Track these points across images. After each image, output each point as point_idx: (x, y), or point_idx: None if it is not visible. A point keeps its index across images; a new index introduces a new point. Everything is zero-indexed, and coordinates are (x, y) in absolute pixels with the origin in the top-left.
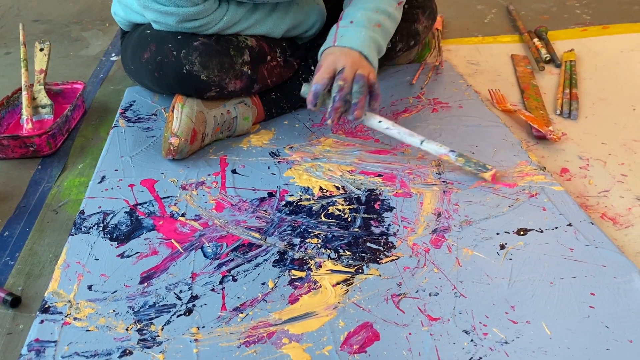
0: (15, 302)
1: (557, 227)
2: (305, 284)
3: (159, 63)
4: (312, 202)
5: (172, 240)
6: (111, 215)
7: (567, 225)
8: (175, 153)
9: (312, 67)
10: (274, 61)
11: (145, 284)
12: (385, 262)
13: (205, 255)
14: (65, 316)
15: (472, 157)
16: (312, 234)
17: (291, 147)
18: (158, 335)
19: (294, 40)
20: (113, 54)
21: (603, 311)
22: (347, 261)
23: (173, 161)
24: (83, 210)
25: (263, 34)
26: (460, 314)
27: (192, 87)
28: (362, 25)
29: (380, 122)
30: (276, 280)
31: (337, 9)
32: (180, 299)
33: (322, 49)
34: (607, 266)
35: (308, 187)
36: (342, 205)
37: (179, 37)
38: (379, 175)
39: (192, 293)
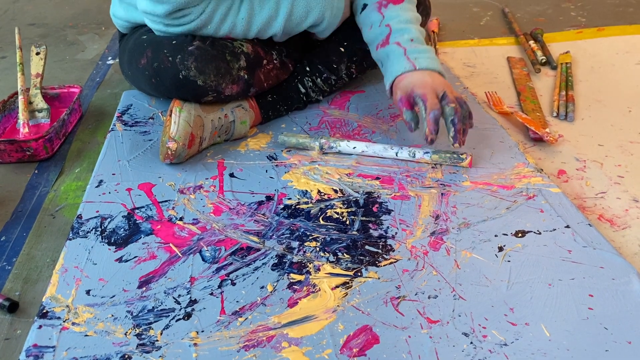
0: (12, 307)
1: (555, 229)
2: (304, 288)
3: (155, 69)
4: (310, 205)
5: (170, 245)
6: (109, 219)
7: (565, 227)
8: (173, 157)
9: (307, 68)
10: (270, 64)
11: (144, 288)
12: (384, 265)
13: (203, 259)
14: (64, 321)
15: (446, 151)
16: (310, 237)
17: (289, 151)
18: (157, 340)
19: (289, 41)
20: (109, 58)
21: (602, 312)
22: (346, 264)
23: (171, 165)
24: (80, 214)
25: (260, 29)
26: (460, 316)
27: (189, 92)
28: (421, 41)
29: (355, 147)
30: (275, 284)
31: None
32: (179, 303)
33: (399, 71)
34: (605, 268)
35: (306, 191)
36: (341, 208)
37: (174, 42)
38: (377, 178)
39: (190, 297)
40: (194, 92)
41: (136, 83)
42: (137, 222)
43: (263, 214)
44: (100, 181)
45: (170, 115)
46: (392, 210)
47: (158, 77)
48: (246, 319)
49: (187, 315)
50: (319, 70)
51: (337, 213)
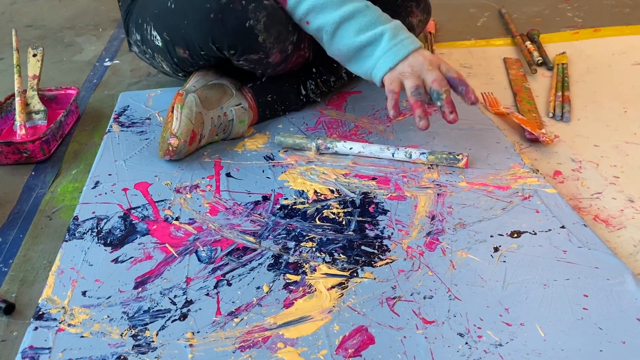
0: (9, 309)
1: (550, 230)
2: (300, 288)
3: (223, 5)
4: (306, 205)
5: (167, 245)
6: (105, 220)
7: (560, 227)
8: (174, 154)
9: (311, 69)
10: (303, 51)
11: (140, 289)
12: (380, 266)
13: (199, 260)
14: (60, 322)
15: (442, 152)
16: (306, 238)
17: (286, 151)
18: (153, 341)
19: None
20: (107, 59)
21: (596, 313)
22: (342, 265)
23: (167, 164)
24: (77, 216)
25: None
26: (455, 316)
27: (242, 44)
28: None
29: (351, 148)
30: (271, 285)
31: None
32: (174, 303)
33: None
34: (600, 268)
35: (302, 191)
36: (337, 208)
37: None
38: (373, 179)
39: (186, 298)
40: (247, 45)
41: (169, 12)
42: (133, 222)
43: (259, 214)
44: (97, 182)
45: (172, 111)
46: (388, 211)
47: (221, 14)
48: (242, 319)
49: (183, 316)
50: (319, 72)
51: (334, 213)
